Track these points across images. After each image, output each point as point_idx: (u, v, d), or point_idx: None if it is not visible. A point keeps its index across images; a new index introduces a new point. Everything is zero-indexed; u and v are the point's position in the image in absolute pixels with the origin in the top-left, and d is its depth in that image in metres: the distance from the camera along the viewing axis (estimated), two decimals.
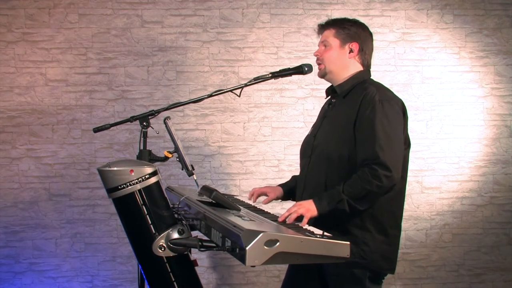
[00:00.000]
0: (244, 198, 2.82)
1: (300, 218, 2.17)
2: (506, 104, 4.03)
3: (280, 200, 2.70)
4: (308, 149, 2.50)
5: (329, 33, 2.46)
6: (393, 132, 2.26)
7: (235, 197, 2.83)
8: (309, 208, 2.18)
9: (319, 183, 2.37)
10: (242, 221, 1.91)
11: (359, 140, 2.28)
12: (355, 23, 2.48)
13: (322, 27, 2.51)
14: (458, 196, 4.01)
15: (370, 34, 2.51)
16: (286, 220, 2.14)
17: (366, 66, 2.49)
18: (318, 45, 2.51)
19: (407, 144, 2.38)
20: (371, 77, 2.49)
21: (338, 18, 2.55)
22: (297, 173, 2.64)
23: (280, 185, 2.71)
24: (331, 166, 2.34)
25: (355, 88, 2.40)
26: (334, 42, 2.44)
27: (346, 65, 2.45)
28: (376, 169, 2.18)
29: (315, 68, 2.54)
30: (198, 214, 2.18)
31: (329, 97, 2.58)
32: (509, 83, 4.03)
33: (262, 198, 2.66)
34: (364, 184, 2.18)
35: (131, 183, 2.12)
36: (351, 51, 2.44)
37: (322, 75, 2.50)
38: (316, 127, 2.54)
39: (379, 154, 2.20)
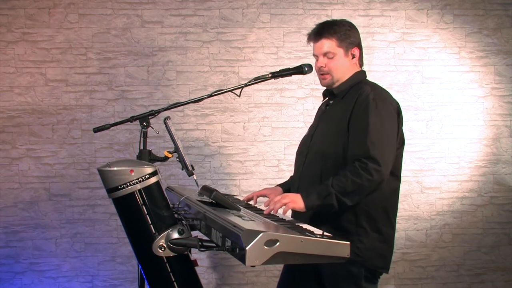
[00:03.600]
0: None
1: (299, 214, 2.18)
2: (506, 104, 4.03)
3: None
4: (305, 149, 2.51)
5: (331, 43, 2.42)
6: (385, 130, 2.27)
7: (235, 197, 2.83)
8: (294, 199, 2.18)
9: (314, 180, 2.37)
10: (242, 221, 1.91)
11: (351, 136, 2.29)
12: (351, 27, 2.47)
13: (320, 36, 2.44)
14: (458, 196, 4.01)
15: (359, 33, 2.53)
16: (271, 211, 2.16)
17: (362, 65, 2.52)
18: (317, 55, 2.46)
19: (401, 143, 2.40)
20: (367, 78, 2.52)
21: (333, 26, 2.45)
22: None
23: (279, 185, 2.72)
24: (326, 163, 2.35)
25: (352, 89, 2.43)
26: (339, 51, 2.42)
27: (349, 69, 2.47)
28: (366, 163, 2.18)
29: (315, 70, 2.54)
30: (198, 214, 2.18)
31: (326, 98, 2.58)
32: (509, 83, 4.03)
33: (263, 199, 2.66)
34: (354, 177, 2.18)
35: (131, 183, 2.12)
36: (353, 56, 2.46)
37: (330, 85, 2.48)
38: (313, 128, 2.56)
39: (370, 148, 2.21)
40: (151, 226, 2.15)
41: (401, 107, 2.41)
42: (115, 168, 2.14)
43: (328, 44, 2.43)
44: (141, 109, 3.75)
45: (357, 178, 2.17)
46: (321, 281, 2.40)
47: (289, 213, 2.24)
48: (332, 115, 2.45)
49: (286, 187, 2.68)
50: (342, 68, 2.44)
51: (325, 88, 2.57)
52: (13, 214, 3.74)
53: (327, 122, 2.47)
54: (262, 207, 2.57)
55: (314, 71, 2.56)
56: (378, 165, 2.19)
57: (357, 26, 2.52)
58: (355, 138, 2.28)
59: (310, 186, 2.30)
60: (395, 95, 2.47)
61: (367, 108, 2.28)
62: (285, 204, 2.16)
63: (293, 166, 2.62)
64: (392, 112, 2.33)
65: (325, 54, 2.43)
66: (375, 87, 2.41)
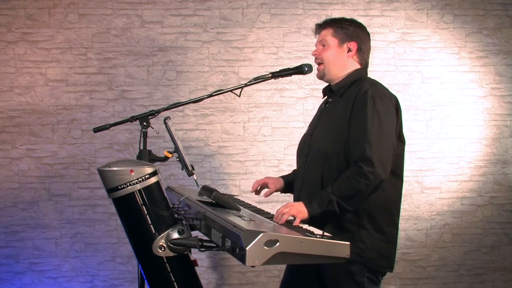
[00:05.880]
0: (244, 198, 2.82)
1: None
2: (506, 104, 4.03)
3: (280, 193, 2.70)
4: (305, 148, 2.50)
5: (327, 33, 2.47)
6: (383, 128, 2.26)
7: (235, 197, 2.83)
8: (300, 209, 2.19)
9: (317, 181, 2.37)
10: (242, 221, 1.91)
11: (350, 136, 2.29)
12: (353, 23, 2.49)
13: (320, 27, 2.51)
14: (458, 196, 4.01)
15: (368, 34, 2.53)
16: (278, 222, 2.15)
17: (364, 65, 2.50)
18: (316, 45, 2.52)
19: (401, 141, 2.39)
20: (368, 76, 2.50)
21: (335, 18, 2.56)
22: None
23: (282, 177, 2.72)
24: (328, 163, 2.34)
25: (352, 86, 2.41)
26: (332, 41, 2.45)
27: (345, 64, 2.45)
28: (362, 167, 2.19)
29: (315, 68, 2.54)
30: (198, 214, 2.18)
31: (326, 97, 2.58)
32: (509, 83, 4.03)
33: (264, 201, 2.66)
34: (352, 183, 2.20)
35: (131, 183, 2.13)
36: (349, 50, 2.45)
37: (321, 76, 2.49)
38: (313, 126, 2.55)
39: (366, 149, 2.21)
40: (151, 226, 2.15)
41: (401, 107, 2.40)
42: (115, 168, 2.14)
43: (324, 33, 2.48)
44: (141, 109, 3.75)
45: (354, 183, 2.19)
46: (323, 282, 2.40)
47: None
48: (332, 113, 2.44)
49: (288, 179, 2.67)
50: (335, 60, 2.44)
51: (324, 86, 2.57)
52: (13, 214, 3.74)
53: (326, 120, 2.46)
54: (262, 207, 2.58)
55: (314, 71, 2.56)
56: (372, 167, 2.19)
57: None
58: (353, 137, 2.28)
59: (312, 193, 2.30)
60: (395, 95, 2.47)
61: (365, 106, 2.27)
62: (293, 215, 2.17)
63: (293, 166, 2.62)
64: (390, 107, 2.31)
65: (320, 42, 2.49)
66: (374, 83, 2.39)
